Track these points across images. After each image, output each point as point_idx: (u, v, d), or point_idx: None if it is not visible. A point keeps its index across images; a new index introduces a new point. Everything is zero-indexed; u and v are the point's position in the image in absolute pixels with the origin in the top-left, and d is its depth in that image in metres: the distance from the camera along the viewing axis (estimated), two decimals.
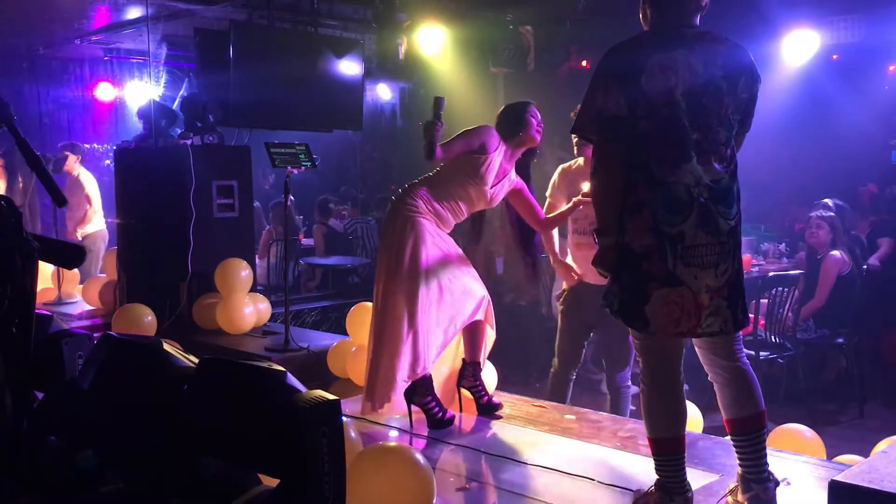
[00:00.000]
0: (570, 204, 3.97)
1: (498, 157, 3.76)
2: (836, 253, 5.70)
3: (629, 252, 2.56)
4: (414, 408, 3.74)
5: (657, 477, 2.74)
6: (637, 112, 2.51)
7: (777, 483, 2.76)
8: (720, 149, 2.55)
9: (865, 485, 2.10)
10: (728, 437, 2.89)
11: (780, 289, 5.39)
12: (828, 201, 6.18)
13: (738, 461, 2.76)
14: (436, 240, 3.70)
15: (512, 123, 3.82)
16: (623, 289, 2.61)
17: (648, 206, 2.51)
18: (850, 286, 5.72)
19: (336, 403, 1.94)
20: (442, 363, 3.89)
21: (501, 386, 4.44)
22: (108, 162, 9.55)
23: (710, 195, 2.52)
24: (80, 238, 7.36)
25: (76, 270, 6.79)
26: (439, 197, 3.74)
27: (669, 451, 2.68)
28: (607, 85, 2.54)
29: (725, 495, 2.92)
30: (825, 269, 5.70)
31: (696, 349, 2.79)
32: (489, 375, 4.34)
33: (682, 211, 2.50)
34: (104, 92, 9.35)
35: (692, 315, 2.55)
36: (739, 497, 2.77)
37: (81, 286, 6.82)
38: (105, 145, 9.92)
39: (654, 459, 2.73)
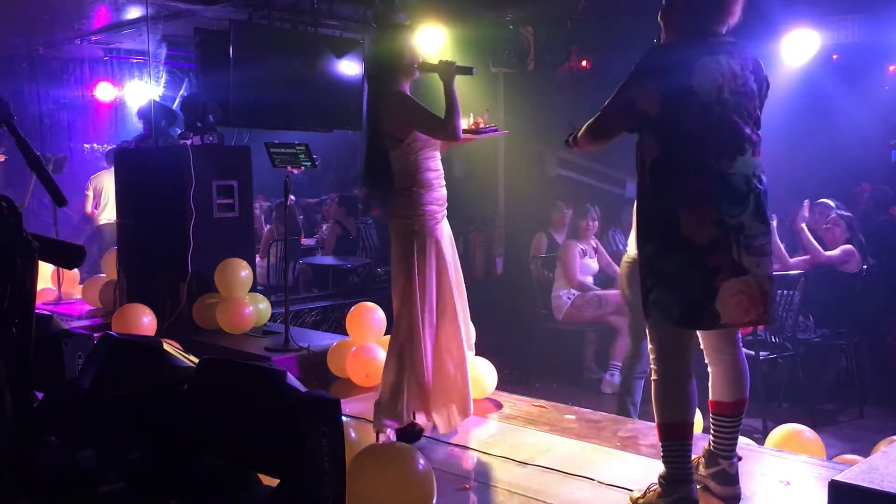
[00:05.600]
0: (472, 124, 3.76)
1: None
2: (851, 247, 5.73)
3: (691, 246, 2.62)
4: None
5: (662, 470, 2.82)
6: (682, 110, 2.62)
7: (740, 458, 2.96)
8: (760, 142, 2.72)
9: (865, 485, 2.10)
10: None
11: (780, 291, 5.39)
12: (829, 202, 6.21)
13: (711, 438, 2.95)
14: (443, 251, 3.61)
15: (394, 63, 3.56)
16: (684, 295, 2.66)
17: (711, 198, 2.61)
18: (853, 286, 5.73)
19: (336, 403, 1.94)
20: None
21: (501, 386, 4.44)
22: None
23: (762, 186, 2.68)
24: None
25: (76, 270, 6.79)
26: (420, 188, 3.52)
27: (680, 436, 2.78)
28: (644, 81, 2.67)
29: None
30: (838, 251, 5.73)
31: (702, 335, 2.91)
32: (489, 375, 4.34)
33: (741, 202, 2.63)
34: (104, 92, 9.34)
35: (759, 302, 2.67)
36: (702, 471, 2.95)
37: (81, 286, 6.81)
38: (105, 145, 9.92)
39: (663, 447, 2.81)
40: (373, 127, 3.58)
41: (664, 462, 2.80)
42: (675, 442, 2.78)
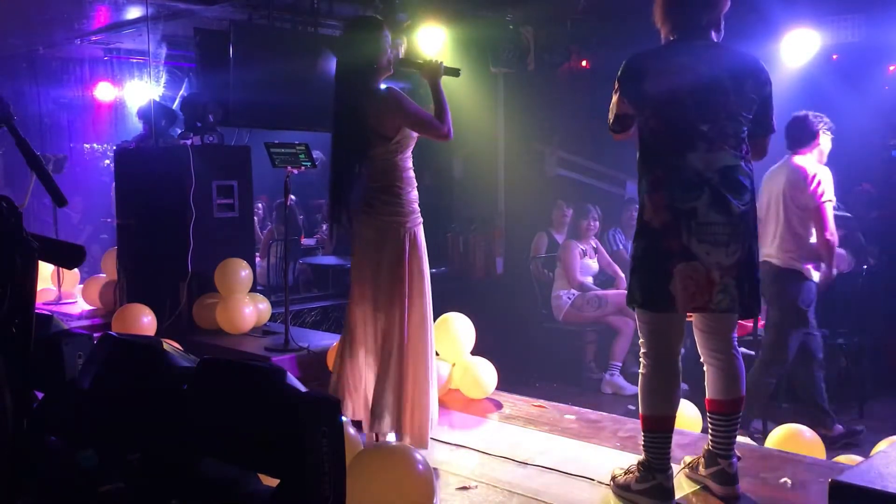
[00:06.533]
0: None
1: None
2: (839, 250, 5.73)
3: (650, 231, 2.78)
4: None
5: (641, 457, 2.92)
6: (645, 111, 2.83)
7: (739, 458, 2.98)
8: (730, 140, 2.77)
9: (865, 485, 2.10)
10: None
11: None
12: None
13: (710, 438, 2.98)
14: (423, 252, 3.54)
15: (372, 59, 3.44)
16: (643, 279, 2.81)
17: (665, 186, 2.76)
18: (851, 286, 5.73)
19: (336, 403, 1.94)
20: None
21: (501, 386, 4.44)
22: (107, 162, 9.56)
23: (720, 179, 2.73)
24: None
25: (76, 270, 6.79)
26: (405, 185, 3.45)
27: (662, 428, 2.87)
28: (617, 89, 2.89)
29: (682, 468, 3.11)
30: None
31: (698, 333, 2.99)
32: (489, 375, 4.34)
33: (692, 190, 2.73)
34: (104, 92, 9.34)
35: (704, 290, 2.74)
36: (702, 471, 3.00)
37: (81, 286, 6.82)
38: (105, 145, 9.92)
39: (645, 437, 2.90)
40: (352, 124, 3.42)
41: (644, 450, 2.90)
42: (657, 434, 2.87)
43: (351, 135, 3.45)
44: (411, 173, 3.49)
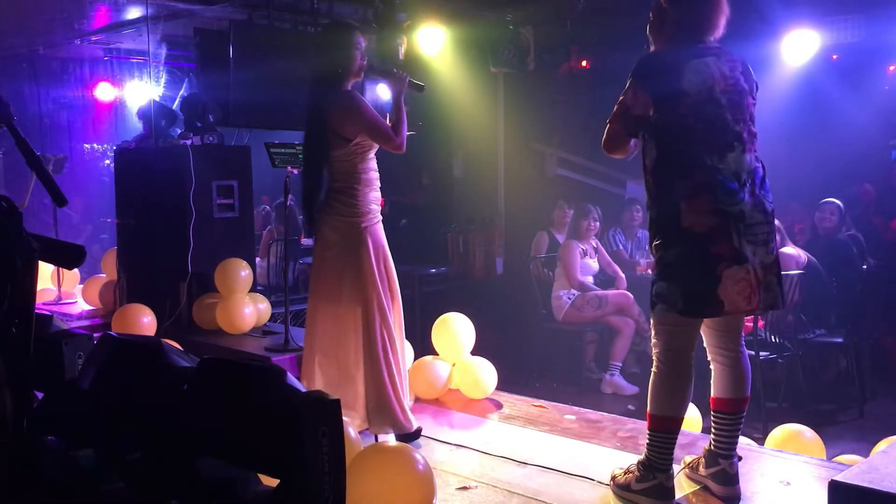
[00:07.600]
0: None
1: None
2: (786, 250, 5.76)
3: (692, 236, 2.69)
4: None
5: (642, 456, 2.91)
6: (680, 108, 2.70)
7: (740, 458, 2.98)
8: (753, 140, 2.79)
9: (865, 485, 2.10)
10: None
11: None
12: (835, 201, 6.29)
13: (711, 438, 2.97)
14: (384, 249, 3.65)
15: (342, 63, 3.57)
16: (687, 285, 2.73)
17: (707, 189, 2.68)
18: (817, 280, 5.76)
19: (336, 403, 1.94)
20: None
21: (501, 386, 4.44)
22: (107, 162, 9.56)
23: (752, 179, 2.75)
24: None
25: (76, 270, 6.79)
26: (365, 187, 3.56)
27: (669, 429, 2.85)
28: (636, 87, 2.77)
29: (683, 468, 3.11)
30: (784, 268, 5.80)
31: (707, 331, 2.96)
32: (489, 375, 4.34)
33: (737, 192, 2.70)
34: (104, 92, 9.34)
35: (755, 290, 2.73)
36: (702, 471, 2.99)
37: (81, 286, 6.82)
38: (105, 145, 9.92)
39: (650, 436, 2.88)
40: (317, 125, 3.55)
41: (647, 448, 2.89)
42: (663, 434, 2.86)
43: (316, 135, 3.57)
44: (372, 174, 3.60)
